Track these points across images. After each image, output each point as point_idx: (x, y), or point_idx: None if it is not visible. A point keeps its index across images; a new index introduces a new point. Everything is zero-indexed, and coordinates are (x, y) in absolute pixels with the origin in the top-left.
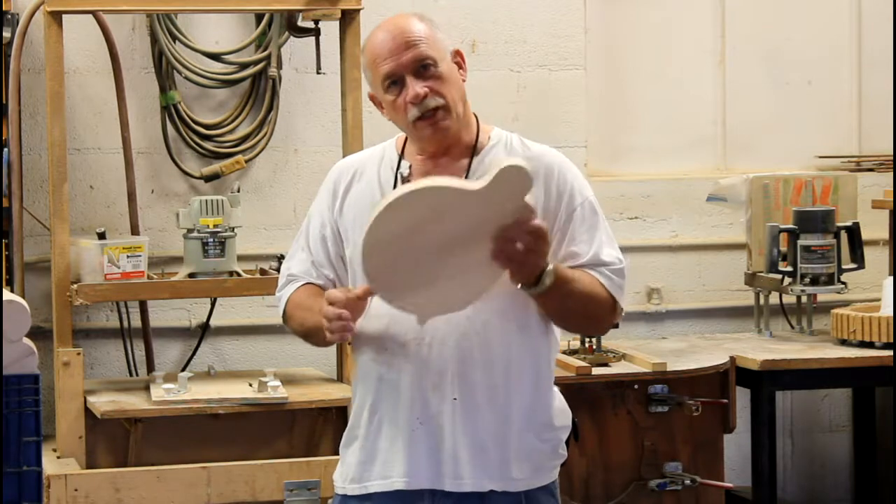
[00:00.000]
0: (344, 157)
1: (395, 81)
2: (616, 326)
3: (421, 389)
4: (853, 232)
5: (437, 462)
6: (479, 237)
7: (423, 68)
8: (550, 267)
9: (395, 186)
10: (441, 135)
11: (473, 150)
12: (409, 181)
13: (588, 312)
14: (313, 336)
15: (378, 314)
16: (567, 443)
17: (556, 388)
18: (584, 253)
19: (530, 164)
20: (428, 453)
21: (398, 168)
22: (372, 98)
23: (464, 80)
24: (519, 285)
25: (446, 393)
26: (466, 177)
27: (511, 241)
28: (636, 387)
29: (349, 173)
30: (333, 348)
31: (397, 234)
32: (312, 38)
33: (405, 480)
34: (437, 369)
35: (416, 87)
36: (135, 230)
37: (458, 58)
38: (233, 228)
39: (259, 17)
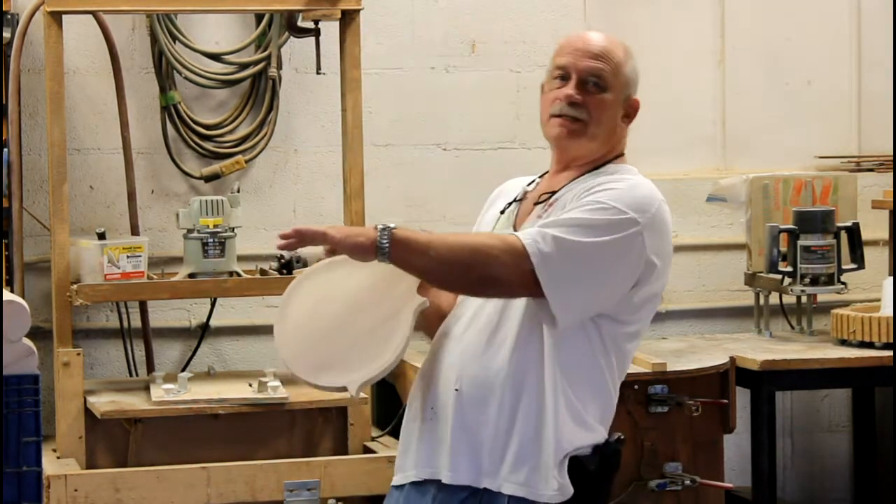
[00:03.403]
0: (344, 156)
1: (562, 76)
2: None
3: (437, 378)
4: (853, 232)
5: (438, 452)
6: (379, 296)
7: (592, 84)
8: (385, 232)
9: (515, 199)
10: (565, 142)
11: (585, 172)
12: (524, 198)
13: (459, 262)
14: None
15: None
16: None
17: (586, 420)
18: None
19: None
20: (432, 443)
21: (529, 184)
22: (542, 88)
23: (620, 125)
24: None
25: (451, 383)
26: (559, 189)
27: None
28: (636, 387)
29: (501, 190)
30: None
31: (300, 319)
32: (312, 39)
33: (415, 472)
34: (448, 361)
35: (574, 90)
36: (135, 230)
37: (630, 107)
38: (233, 228)
39: (259, 17)
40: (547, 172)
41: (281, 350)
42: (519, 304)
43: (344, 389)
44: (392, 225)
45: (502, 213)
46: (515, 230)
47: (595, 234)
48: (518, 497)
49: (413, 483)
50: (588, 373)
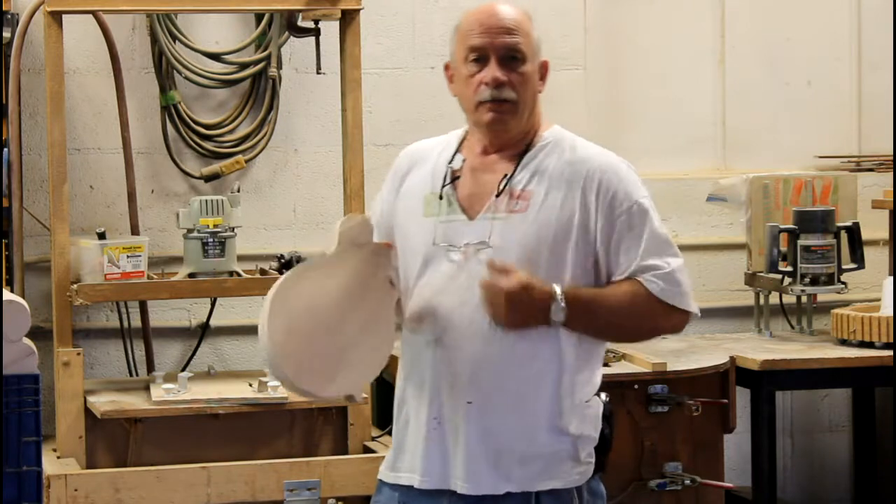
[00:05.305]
0: (344, 156)
1: (479, 58)
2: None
3: (439, 390)
4: (853, 232)
5: (449, 464)
6: (360, 293)
7: (512, 59)
8: (561, 303)
9: (444, 180)
10: (499, 126)
11: (525, 149)
12: (458, 177)
13: (628, 325)
14: None
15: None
16: (599, 459)
17: (592, 398)
18: (626, 263)
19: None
20: (441, 454)
21: (451, 161)
22: (446, 68)
23: (539, 91)
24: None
25: (461, 395)
26: (512, 174)
27: (490, 303)
28: (636, 387)
29: (412, 159)
30: None
31: (291, 333)
32: (312, 38)
33: (419, 479)
34: (453, 371)
35: (497, 71)
36: (135, 230)
37: (544, 70)
38: (233, 228)
39: (259, 17)
40: (465, 141)
41: (283, 367)
42: None
43: (351, 398)
44: (560, 301)
45: (441, 198)
46: (470, 218)
47: (669, 237)
48: (548, 490)
49: (421, 490)
50: (596, 350)
